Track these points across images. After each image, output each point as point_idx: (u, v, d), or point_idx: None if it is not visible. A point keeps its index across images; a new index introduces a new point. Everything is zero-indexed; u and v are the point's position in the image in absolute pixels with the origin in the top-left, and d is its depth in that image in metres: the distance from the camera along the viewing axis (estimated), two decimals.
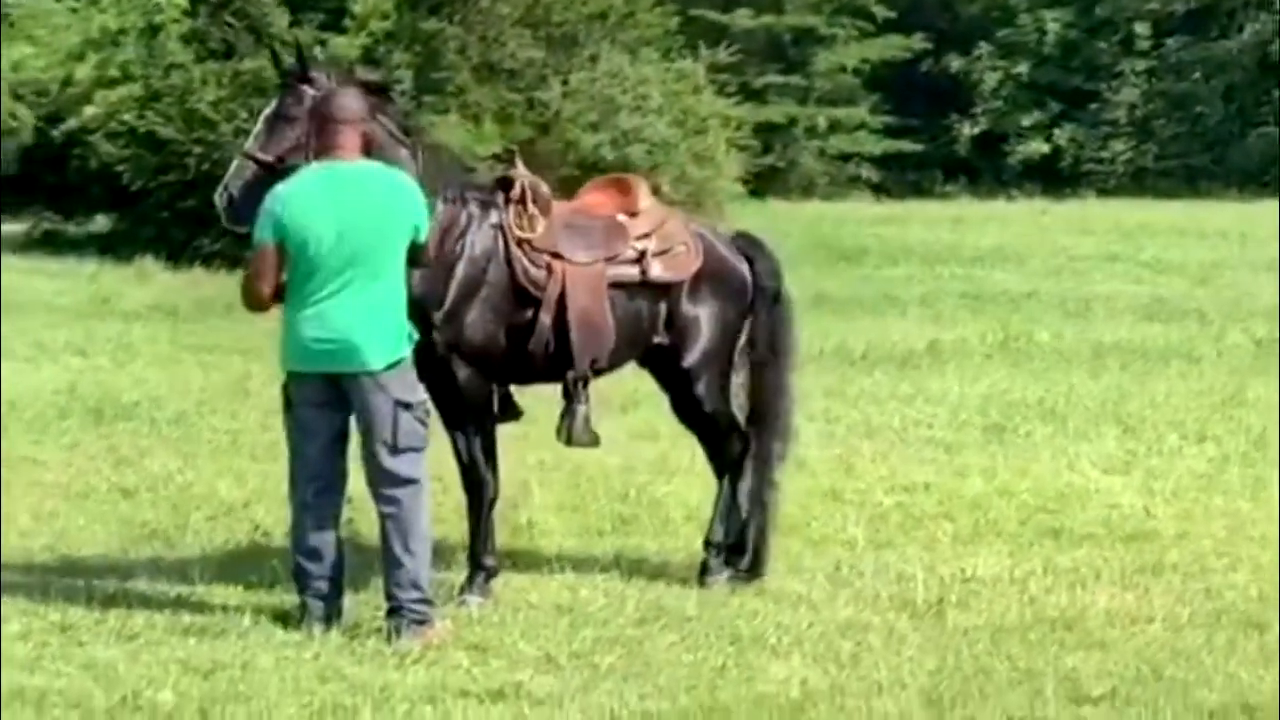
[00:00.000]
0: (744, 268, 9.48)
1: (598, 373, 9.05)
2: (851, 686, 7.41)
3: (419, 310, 8.39)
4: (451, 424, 8.85)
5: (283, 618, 8.28)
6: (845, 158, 66.07)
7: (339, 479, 8.32)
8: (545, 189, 8.99)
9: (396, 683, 7.33)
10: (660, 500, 11.32)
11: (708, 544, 9.36)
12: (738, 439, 9.45)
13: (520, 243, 8.76)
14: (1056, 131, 66.00)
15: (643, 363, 9.46)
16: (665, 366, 9.37)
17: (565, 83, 38.24)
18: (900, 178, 65.18)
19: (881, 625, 8.45)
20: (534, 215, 8.81)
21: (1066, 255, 36.26)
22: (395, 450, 8.14)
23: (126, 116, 36.01)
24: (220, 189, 8.51)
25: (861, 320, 25.41)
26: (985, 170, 66.24)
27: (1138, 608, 8.80)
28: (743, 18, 65.83)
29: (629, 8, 40.51)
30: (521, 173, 8.99)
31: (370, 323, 8.10)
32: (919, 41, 66.33)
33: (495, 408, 8.96)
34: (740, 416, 9.56)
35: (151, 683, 7.22)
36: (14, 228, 39.61)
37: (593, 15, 39.38)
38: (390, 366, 8.13)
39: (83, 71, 39.27)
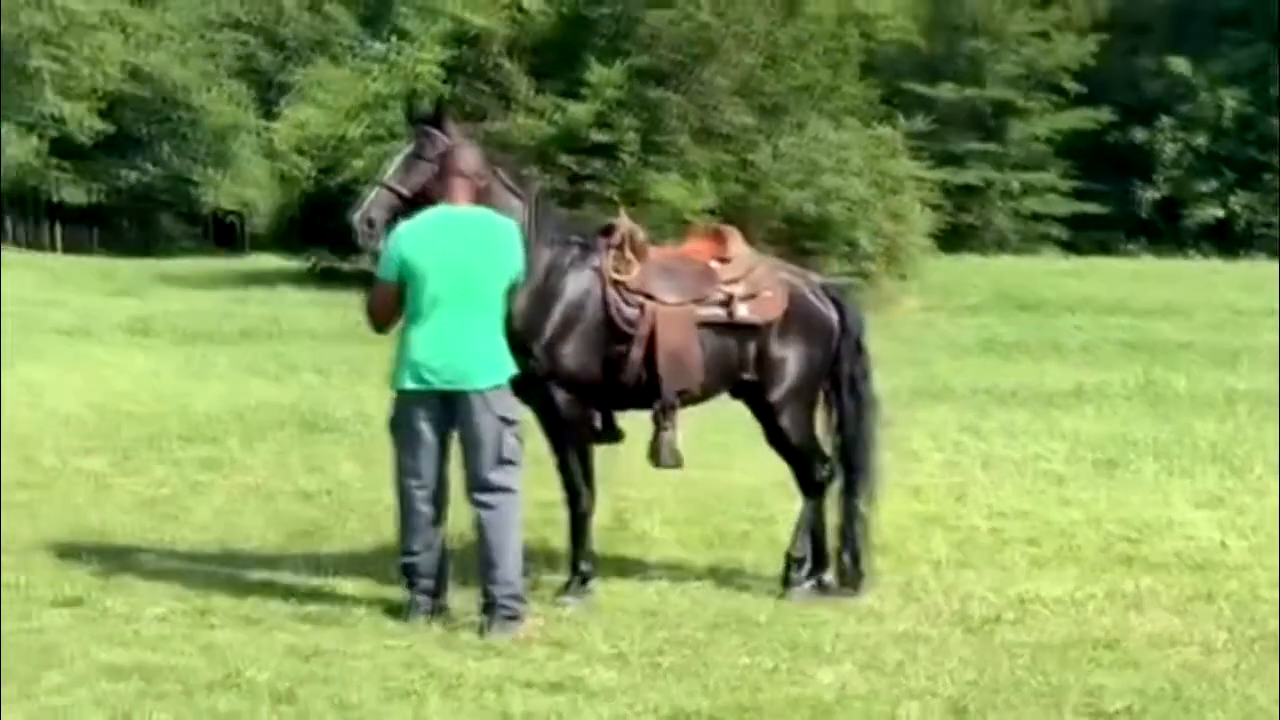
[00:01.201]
0: (831, 313, 9.25)
1: (687, 402, 8.90)
2: (885, 693, 7.16)
3: (520, 342, 8.34)
4: (553, 443, 8.79)
5: (394, 610, 8.25)
6: (1036, 217, 65.47)
7: (443, 487, 8.29)
8: (642, 236, 8.88)
9: (471, 672, 7.23)
10: (773, 517, 11.07)
11: (788, 557, 9.16)
12: (821, 466, 9.23)
13: (615, 284, 8.66)
14: (1231, 198, 64.89)
15: (735, 395, 9.27)
16: (754, 400, 9.19)
17: (774, 146, 38.20)
18: (1087, 237, 64.06)
19: (935, 638, 8.16)
20: (629, 260, 8.71)
21: (1230, 310, 35.41)
22: (498, 461, 8.11)
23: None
24: (359, 214, 8.50)
25: (1022, 363, 24.94)
26: (1165, 232, 65.18)
27: (1181, 632, 8.40)
28: (947, 90, 65.54)
29: (834, 81, 40.48)
30: (623, 221, 8.89)
31: (477, 348, 8.10)
32: (1106, 114, 65.55)
33: (592, 430, 8.87)
34: (827, 447, 9.35)
35: (254, 663, 7.22)
36: (297, 264, 40.63)
37: (800, 87, 39.39)
38: (494, 387, 8.12)
39: (355, 130, 40.02)
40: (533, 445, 8.69)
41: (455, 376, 8.07)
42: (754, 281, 8.94)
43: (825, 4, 44.70)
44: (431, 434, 8.18)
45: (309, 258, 41.39)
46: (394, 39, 44.73)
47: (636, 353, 8.64)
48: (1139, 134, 67.17)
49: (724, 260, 8.98)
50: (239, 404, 16.84)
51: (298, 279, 39.74)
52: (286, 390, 18.70)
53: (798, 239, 37.67)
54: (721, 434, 12.10)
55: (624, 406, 8.97)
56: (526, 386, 8.47)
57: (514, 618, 8.03)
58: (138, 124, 75.92)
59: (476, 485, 8.16)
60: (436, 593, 8.26)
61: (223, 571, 9.12)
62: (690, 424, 9.18)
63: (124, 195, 75.52)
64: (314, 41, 78.20)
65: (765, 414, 9.17)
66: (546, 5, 41.80)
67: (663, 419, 8.77)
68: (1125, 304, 38.15)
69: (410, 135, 8.82)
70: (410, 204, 8.46)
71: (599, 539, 10.11)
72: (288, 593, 8.61)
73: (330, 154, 39.88)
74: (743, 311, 8.86)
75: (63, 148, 72.49)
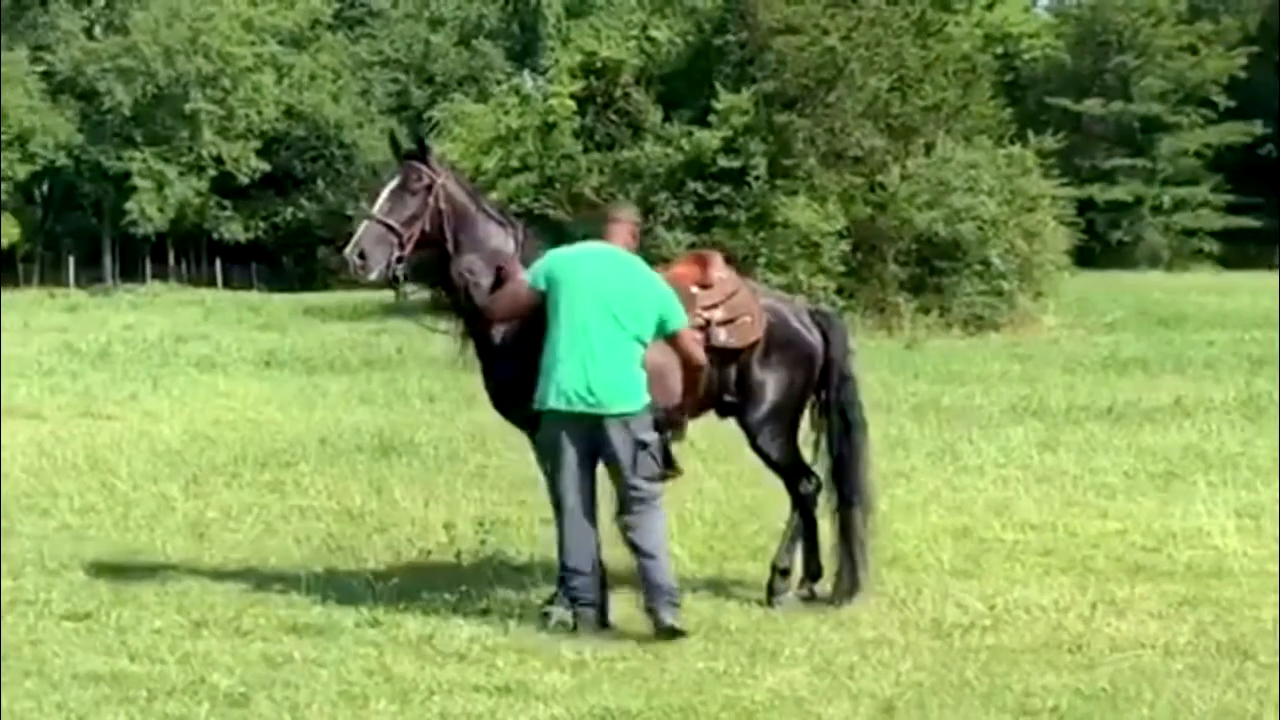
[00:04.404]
0: (815, 338, 9.42)
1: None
2: (822, 694, 7.37)
3: (508, 364, 8.81)
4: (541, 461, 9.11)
5: (376, 622, 8.60)
6: (1189, 233, 64.74)
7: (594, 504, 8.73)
8: None
9: (427, 677, 7.56)
10: None
11: (773, 568, 9.38)
12: (805, 482, 9.43)
13: None
14: None
15: (721, 415, 9.50)
16: (738, 419, 9.43)
17: (903, 167, 38.15)
18: (1242, 251, 63.18)
19: (901, 643, 8.33)
20: None
21: None
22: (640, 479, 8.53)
23: (525, 201, 37.20)
24: (351, 247, 8.88)
25: (1137, 379, 24.63)
26: None
27: (1151, 636, 8.48)
28: (1094, 106, 65.14)
29: (963, 100, 40.31)
30: None
31: (619, 376, 8.53)
32: (1258, 127, 64.74)
33: None
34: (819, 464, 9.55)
35: (224, 670, 7.63)
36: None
37: (929, 108, 39.34)
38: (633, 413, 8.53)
39: (490, 163, 40.79)
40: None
41: (597, 402, 8.45)
42: (733, 306, 9.15)
43: (965, 24, 44.70)
44: (578, 453, 8.56)
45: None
46: (529, 73, 45.49)
47: None
48: None
49: (705, 286, 9.21)
50: (329, 430, 17.36)
51: (445, 309, 40.31)
52: (384, 416, 19.13)
53: (929, 259, 37.72)
54: None
55: None
56: (517, 408, 8.86)
57: (677, 604, 8.49)
58: (294, 162, 77.96)
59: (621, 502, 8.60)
60: (598, 604, 8.64)
61: (236, 587, 9.53)
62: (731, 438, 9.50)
63: (282, 231, 77.57)
64: (464, 77, 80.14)
65: (747, 433, 9.41)
66: (675, 35, 42.27)
67: None
68: (1270, 318, 37.44)
69: (396, 169, 9.14)
70: (399, 235, 8.85)
71: (613, 553, 10.48)
72: (286, 605, 9.01)
73: None
74: (720, 336, 9.10)
75: (223, 187, 74.69)
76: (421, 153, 9.10)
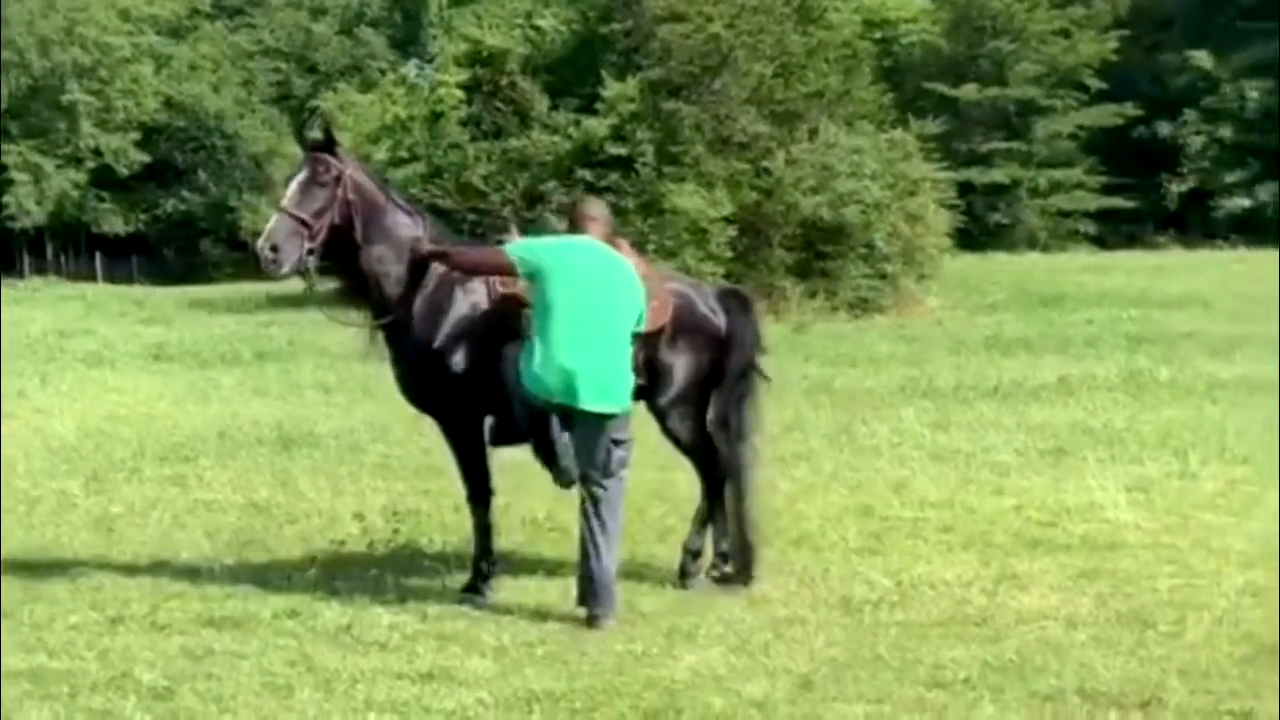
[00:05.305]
0: (720, 321, 9.48)
1: None
2: (741, 672, 7.49)
3: (416, 351, 8.81)
4: (454, 447, 9.15)
5: (295, 613, 8.60)
6: (1065, 214, 65.55)
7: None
8: None
9: (350, 665, 7.60)
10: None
11: (684, 550, 9.48)
12: (713, 464, 9.54)
13: (504, 297, 9.00)
14: (1258, 188, 64.78)
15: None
16: (646, 402, 9.49)
17: (788, 153, 38.32)
18: (1116, 231, 64.18)
19: (812, 621, 8.46)
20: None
21: (1245, 299, 35.28)
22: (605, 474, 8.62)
23: (414, 190, 37.01)
24: (263, 240, 8.82)
25: (1021, 358, 24.96)
26: (1194, 223, 65.25)
27: (1053, 608, 8.68)
28: (970, 91, 65.77)
29: (844, 86, 40.53)
30: (512, 238, 9.21)
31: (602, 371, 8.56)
32: (1130, 109, 65.72)
33: (485, 434, 9.21)
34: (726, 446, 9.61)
35: (145, 664, 7.63)
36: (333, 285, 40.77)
37: (812, 94, 39.53)
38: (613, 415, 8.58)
39: (379, 153, 40.55)
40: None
41: (573, 396, 8.46)
42: None
43: (844, 11, 44.99)
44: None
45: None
46: (415, 62, 45.36)
47: None
48: (1164, 128, 67.36)
49: None
50: (227, 423, 17.27)
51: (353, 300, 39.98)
52: (281, 409, 19.03)
53: (814, 243, 37.97)
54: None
55: None
56: (428, 394, 8.91)
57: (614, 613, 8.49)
58: (175, 153, 77.09)
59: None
60: None
61: (149, 582, 9.48)
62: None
63: (164, 224, 76.72)
64: (347, 66, 79.78)
65: (656, 416, 9.48)
66: (560, 23, 42.26)
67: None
68: (1146, 297, 38.12)
69: (303, 161, 9.10)
70: (310, 227, 8.84)
71: (527, 537, 10.57)
72: (201, 599, 8.99)
73: None
74: None
75: (102, 179, 73.72)
76: (328, 144, 9.07)
